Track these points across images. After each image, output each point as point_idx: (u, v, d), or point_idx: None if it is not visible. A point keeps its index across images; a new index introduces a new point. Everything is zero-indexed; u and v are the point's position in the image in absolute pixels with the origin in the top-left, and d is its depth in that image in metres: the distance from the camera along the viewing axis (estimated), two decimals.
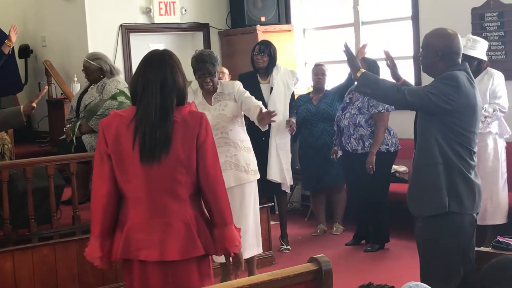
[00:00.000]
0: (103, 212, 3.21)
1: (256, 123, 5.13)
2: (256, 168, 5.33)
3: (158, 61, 3.21)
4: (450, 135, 3.77)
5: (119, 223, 3.24)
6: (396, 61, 4.39)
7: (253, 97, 5.28)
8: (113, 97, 6.05)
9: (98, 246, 3.23)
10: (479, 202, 3.90)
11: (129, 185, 3.18)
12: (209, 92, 5.20)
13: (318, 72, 6.97)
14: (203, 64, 5.10)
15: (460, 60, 3.88)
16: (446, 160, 3.78)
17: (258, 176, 5.39)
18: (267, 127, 5.33)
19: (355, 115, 6.37)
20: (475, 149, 3.88)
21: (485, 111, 5.69)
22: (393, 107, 6.11)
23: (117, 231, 3.24)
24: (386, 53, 4.33)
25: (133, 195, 3.18)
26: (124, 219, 3.22)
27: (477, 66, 5.78)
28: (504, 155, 5.86)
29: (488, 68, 5.86)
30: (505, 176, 5.87)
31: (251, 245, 5.29)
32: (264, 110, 5.08)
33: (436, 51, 3.83)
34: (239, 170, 5.16)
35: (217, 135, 5.03)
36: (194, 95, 5.20)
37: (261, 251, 5.52)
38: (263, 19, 8.42)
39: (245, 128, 5.34)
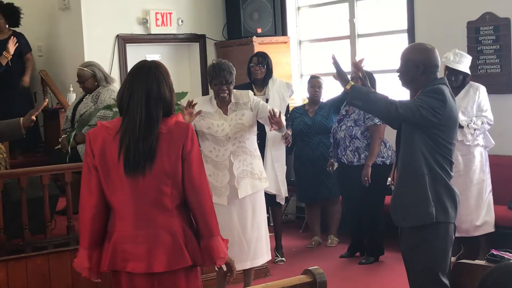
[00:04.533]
0: (91, 224, 3.21)
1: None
2: (266, 175, 5.36)
3: (144, 73, 3.21)
4: (433, 146, 3.85)
5: (107, 234, 3.25)
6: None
7: (268, 105, 5.35)
8: (108, 107, 6.05)
9: (86, 257, 3.23)
10: (458, 210, 3.99)
11: (116, 196, 3.18)
12: (224, 101, 5.19)
13: (315, 85, 6.97)
14: (220, 72, 5.10)
15: (438, 74, 3.96)
16: (431, 171, 3.85)
17: (268, 184, 5.41)
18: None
19: (351, 127, 6.38)
20: (453, 160, 3.98)
21: (474, 123, 5.78)
22: None
23: (105, 242, 3.24)
24: (357, 64, 4.25)
25: (119, 207, 3.18)
26: (111, 230, 3.23)
27: (463, 80, 5.89)
28: (488, 167, 5.97)
29: (471, 82, 5.96)
30: (489, 187, 5.98)
31: (263, 252, 5.28)
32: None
33: (417, 66, 3.90)
34: (254, 178, 5.18)
35: (235, 144, 5.09)
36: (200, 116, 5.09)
37: (270, 258, 5.49)
38: (259, 30, 8.45)
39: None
